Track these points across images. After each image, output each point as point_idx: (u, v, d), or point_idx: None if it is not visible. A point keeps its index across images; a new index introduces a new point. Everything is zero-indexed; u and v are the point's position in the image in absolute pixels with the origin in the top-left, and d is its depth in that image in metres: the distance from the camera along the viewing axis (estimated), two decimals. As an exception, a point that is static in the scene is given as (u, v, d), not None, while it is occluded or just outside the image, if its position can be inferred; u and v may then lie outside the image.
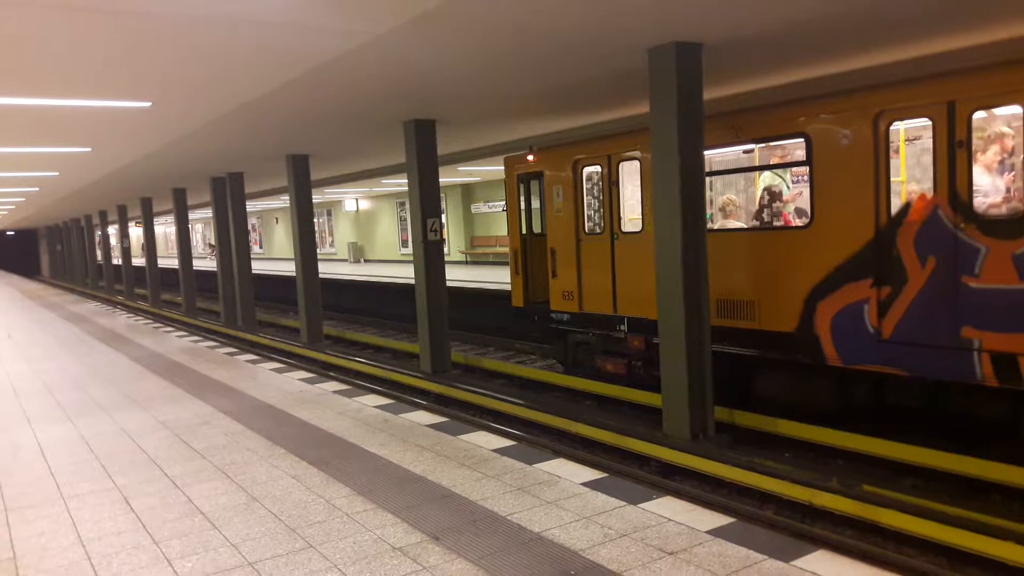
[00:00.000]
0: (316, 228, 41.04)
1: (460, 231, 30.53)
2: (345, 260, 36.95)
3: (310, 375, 10.72)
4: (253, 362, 11.78)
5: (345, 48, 6.96)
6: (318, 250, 41.59)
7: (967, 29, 7.66)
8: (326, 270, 28.67)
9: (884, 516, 6.00)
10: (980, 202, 6.91)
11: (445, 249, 31.91)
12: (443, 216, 31.26)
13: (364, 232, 36.81)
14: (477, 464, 6.04)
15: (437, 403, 10.96)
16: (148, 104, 9.15)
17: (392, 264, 31.25)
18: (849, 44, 8.11)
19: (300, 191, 16.41)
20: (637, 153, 9.95)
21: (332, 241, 40.58)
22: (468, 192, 29.89)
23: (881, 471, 7.42)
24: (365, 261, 35.73)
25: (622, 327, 10.45)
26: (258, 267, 31.30)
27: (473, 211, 29.77)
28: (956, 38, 7.97)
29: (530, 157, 12.06)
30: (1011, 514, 6.16)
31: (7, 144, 12.11)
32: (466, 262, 29.38)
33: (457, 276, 22.10)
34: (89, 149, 13.05)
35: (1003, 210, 6.87)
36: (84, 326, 17.53)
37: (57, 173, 17.13)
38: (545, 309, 11.83)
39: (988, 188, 7.06)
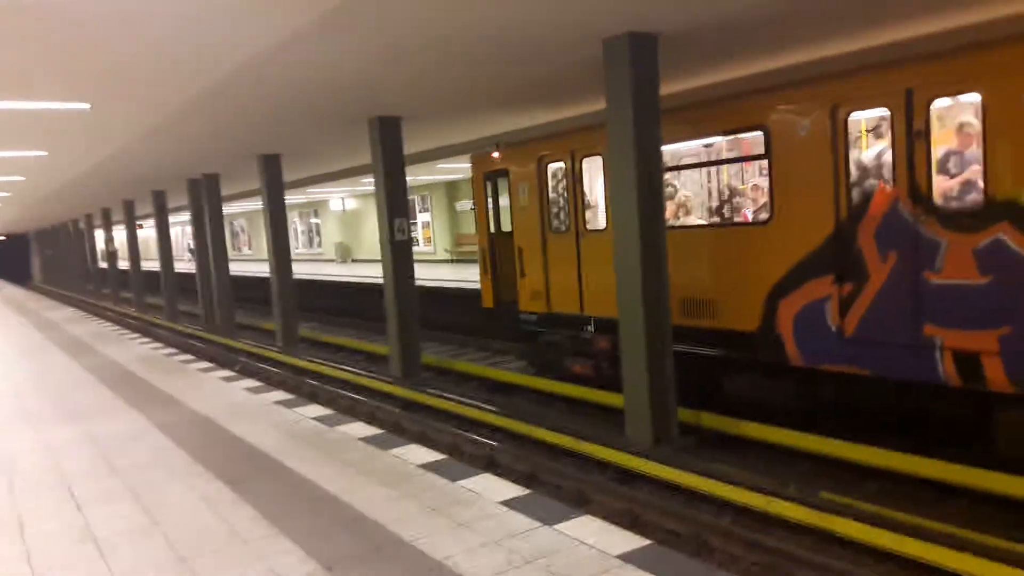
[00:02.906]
0: (304, 228, 41.09)
1: (445, 229, 30.23)
2: (333, 260, 36.68)
3: (257, 384, 10.48)
4: (205, 371, 11.51)
5: (267, 44, 6.71)
6: (306, 250, 41.38)
7: (927, 14, 7.38)
8: (312, 271, 28.49)
9: (839, 525, 5.78)
10: (939, 194, 6.62)
11: (431, 248, 31.68)
12: (428, 215, 31.10)
13: (351, 231, 36.53)
14: (398, 481, 5.77)
15: (404, 408, 10.74)
16: (87, 106, 8.89)
17: (379, 263, 30.91)
18: (807, 32, 7.89)
19: (272, 191, 16.16)
20: (600, 149, 9.66)
21: (319, 241, 40.32)
22: (453, 190, 29.58)
23: (846, 474, 7.20)
24: (353, 261, 35.46)
25: (589, 327, 10.17)
26: (252, 269, 31.17)
27: (458, 209, 29.45)
28: (917, 24, 7.70)
29: (496, 154, 11.79)
30: (974, 521, 5.91)
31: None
32: (452, 260, 29.08)
33: (440, 275, 21.84)
34: (45, 153, 12.79)
35: (963, 202, 6.57)
36: (51, 333, 17.30)
37: (23, 177, 16.87)
38: (515, 309, 11.55)
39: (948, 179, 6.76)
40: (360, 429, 7.52)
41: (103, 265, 35.49)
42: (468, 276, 19.25)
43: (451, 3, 6.02)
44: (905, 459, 6.81)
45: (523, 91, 10.20)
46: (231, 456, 6.73)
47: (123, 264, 34.18)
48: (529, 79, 9.31)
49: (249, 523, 5.09)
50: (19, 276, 58.20)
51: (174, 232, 36.85)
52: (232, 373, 11.79)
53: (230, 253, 21.50)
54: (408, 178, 12.21)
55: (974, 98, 6.38)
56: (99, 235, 36.46)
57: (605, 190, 9.81)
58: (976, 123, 6.48)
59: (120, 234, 37.01)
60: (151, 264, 31.53)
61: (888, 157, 6.88)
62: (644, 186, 7.64)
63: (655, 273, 7.79)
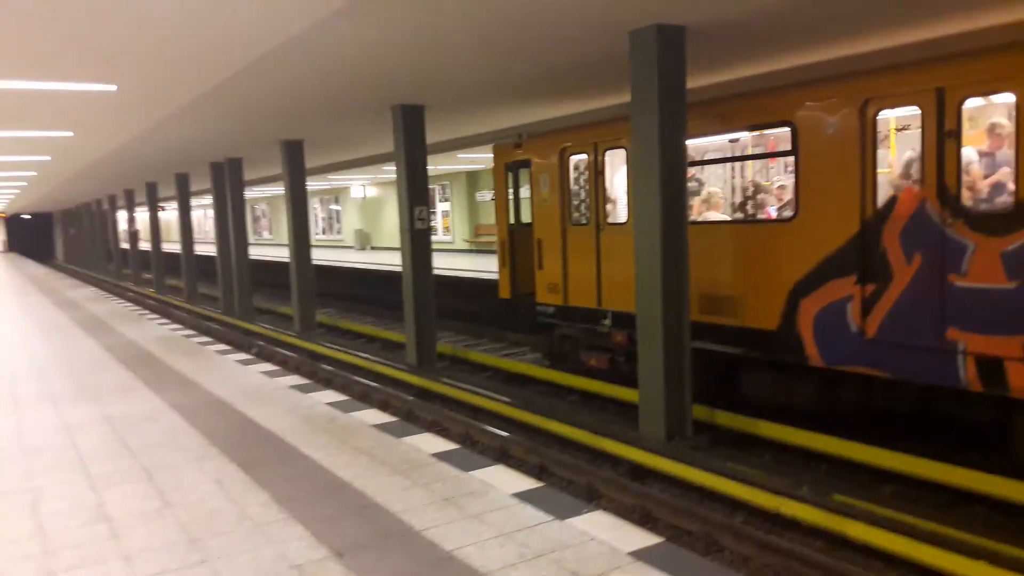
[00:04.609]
0: (325, 214, 41.25)
1: (464, 219, 30.21)
2: (352, 247, 36.80)
3: (274, 368, 10.50)
4: (222, 353, 11.57)
5: (297, 28, 6.69)
6: (326, 236, 41.52)
7: (960, 13, 7.24)
8: (331, 257, 28.61)
9: (852, 528, 5.72)
10: (969, 195, 6.50)
11: (450, 237, 31.71)
12: (448, 204, 31.10)
13: (370, 219, 36.62)
14: (411, 470, 5.74)
15: (419, 397, 10.75)
16: (114, 88, 8.93)
17: (398, 251, 30.97)
18: (839, 27, 7.75)
19: (294, 177, 16.22)
20: (623, 141, 9.58)
21: (339, 228, 40.46)
22: (473, 180, 29.55)
23: (863, 477, 7.13)
24: (372, 248, 35.55)
25: (606, 321, 10.11)
26: (273, 253, 31.35)
27: (478, 199, 29.41)
28: (951, 22, 7.55)
29: (518, 145, 11.73)
30: (990, 528, 5.84)
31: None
32: (471, 250, 29.08)
33: (458, 264, 21.83)
34: (71, 133, 12.90)
35: (992, 204, 6.46)
36: (72, 312, 17.43)
37: (49, 157, 17.04)
38: (532, 301, 11.52)
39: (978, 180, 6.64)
40: (374, 416, 7.53)
41: (125, 246, 35.83)
42: (485, 266, 19.25)
43: None
44: (922, 464, 6.73)
45: (547, 82, 10.13)
46: (245, 439, 6.74)
47: (144, 245, 34.50)
48: (554, 69, 9.25)
49: (261, 507, 5.09)
50: (43, 255, 58.99)
51: (196, 215, 37.11)
52: (249, 356, 11.86)
53: (251, 237, 21.61)
54: (429, 167, 12.19)
55: (1008, 98, 6.25)
56: (121, 216, 36.82)
57: (627, 183, 9.74)
58: (1008, 124, 6.37)
59: (142, 215, 37.38)
60: (172, 246, 31.79)
61: (917, 156, 6.76)
62: (667, 181, 7.55)
63: (675, 268, 7.71)
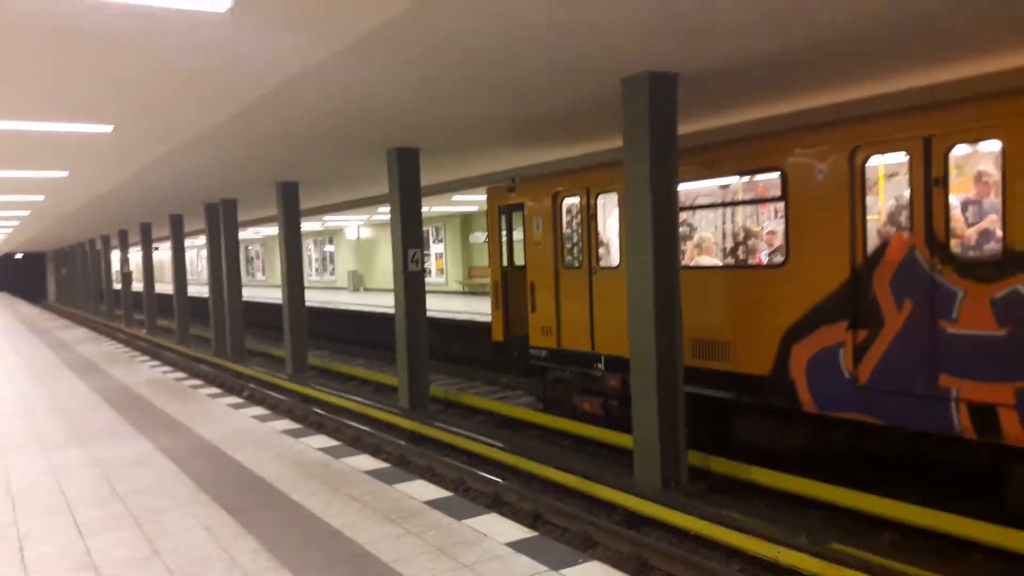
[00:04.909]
0: (319, 256, 41.30)
1: (458, 261, 30.30)
2: (345, 288, 36.79)
3: (265, 412, 10.42)
4: (213, 396, 11.47)
5: (296, 70, 6.76)
6: (319, 278, 41.48)
7: (948, 62, 7.38)
8: (325, 298, 28.57)
9: None
10: (957, 242, 6.56)
11: (443, 279, 31.72)
12: (442, 245, 31.22)
13: (364, 260, 36.68)
14: (403, 518, 5.67)
15: (411, 441, 10.65)
16: (110, 128, 8.98)
17: (391, 293, 30.99)
18: (829, 76, 7.87)
19: (288, 218, 16.25)
20: (616, 186, 9.67)
21: (332, 269, 40.49)
22: (467, 222, 29.70)
23: (858, 525, 7.04)
24: (365, 290, 35.54)
25: (599, 365, 10.09)
26: (266, 295, 31.27)
27: (471, 241, 29.53)
28: (938, 71, 7.69)
29: (511, 188, 11.83)
30: None
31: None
32: (463, 292, 29.10)
33: (453, 306, 21.82)
34: (66, 174, 12.94)
35: (981, 251, 6.51)
36: (62, 353, 17.32)
37: (42, 197, 17.06)
38: (525, 344, 11.50)
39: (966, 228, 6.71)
40: (366, 462, 7.45)
41: (117, 286, 35.73)
42: (479, 308, 19.24)
43: (486, 34, 6.04)
44: (920, 511, 6.65)
45: (541, 126, 10.26)
46: (235, 485, 6.66)
47: (137, 286, 34.41)
48: (547, 114, 9.37)
49: (250, 555, 5.01)
50: (34, 294, 58.71)
51: (189, 255, 37.11)
52: (240, 400, 11.77)
53: (244, 279, 21.57)
54: (423, 209, 12.24)
55: (994, 146, 6.35)
56: (115, 256, 36.80)
57: (619, 227, 9.81)
58: (995, 172, 6.45)
59: (136, 255, 37.34)
60: (165, 287, 31.73)
61: (906, 203, 6.84)
62: (660, 225, 7.60)
63: (669, 314, 7.71)
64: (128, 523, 5.73)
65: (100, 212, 22.19)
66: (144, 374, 13.77)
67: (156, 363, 16.05)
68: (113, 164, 12.30)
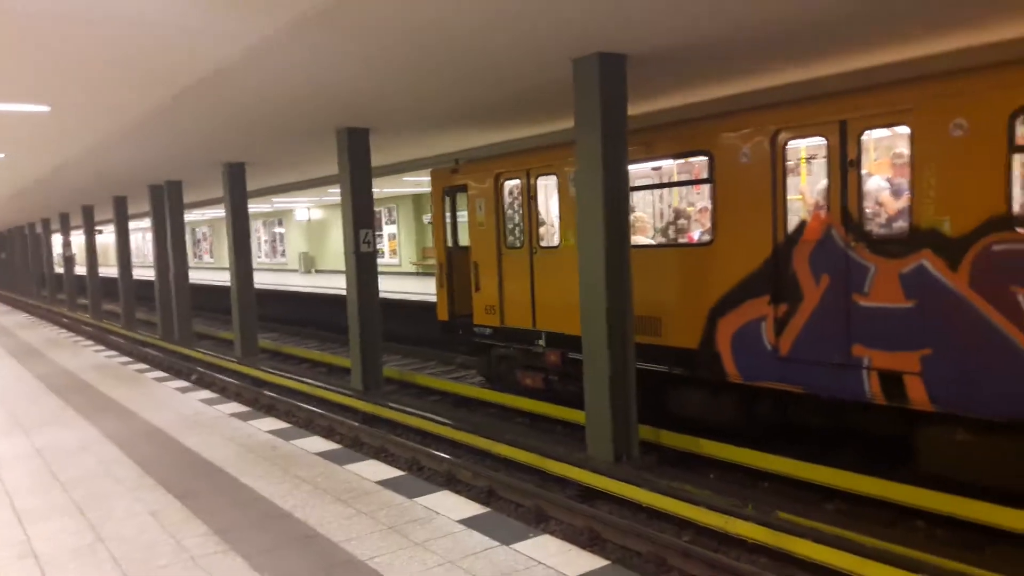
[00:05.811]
0: (268, 237, 40.82)
1: (412, 242, 30.30)
2: (296, 270, 36.51)
3: (213, 395, 10.36)
4: (160, 380, 11.40)
5: (238, 49, 6.76)
6: (269, 260, 40.96)
7: (869, 49, 7.71)
8: (275, 280, 28.30)
9: (798, 546, 5.79)
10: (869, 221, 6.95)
11: (397, 260, 31.53)
12: (395, 227, 31.16)
13: (315, 242, 36.42)
14: (355, 498, 5.73)
15: (365, 423, 10.67)
16: (47, 108, 8.89)
17: (343, 274, 30.80)
18: (766, 60, 8.09)
19: (235, 200, 16.13)
20: (555, 168, 9.91)
21: (283, 251, 40.11)
22: (419, 203, 29.68)
23: (805, 494, 7.29)
24: (316, 271, 35.32)
25: (540, 341, 10.37)
26: (214, 277, 30.81)
27: (425, 222, 29.53)
28: (858, 58, 8.03)
29: (455, 170, 11.99)
30: (931, 541, 6.12)
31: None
32: (417, 273, 29.14)
33: (406, 287, 21.86)
34: (2, 155, 12.69)
35: (891, 230, 6.91)
36: (3, 339, 16.98)
37: (-22, 179, 16.68)
38: (470, 323, 11.71)
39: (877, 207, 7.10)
40: (318, 443, 7.45)
41: (59, 270, 34.94)
42: (433, 289, 19.27)
43: (433, 12, 6.07)
44: (864, 480, 6.87)
45: (491, 107, 10.32)
46: (183, 470, 6.62)
47: (80, 269, 33.66)
48: (498, 95, 9.39)
49: (199, 539, 5.02)
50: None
51: (135, 238, 36.40)
52: (188, 383, 11.71)
53: (191, 261, 21.29)
54: (375, 190, 12.25)
55: (903, 130, 6.74)
56: (57, 239, 35.93)
57: (559, 208, 10.05)
58: (905, 154, 6.84)
59: (79, 239, 36.48)
60: (109, 270, 31.09)
61: (823, 184, 7.21)
62: (611, 203, 7.66)
63: (619, 291, 7.77)
64: (71, 510, 5.67)
65: (40, 194, 21.70)
66: (89, 359, 13.59)
67: (101, 348, 15.83)
68: (52, 145, 12.09)
